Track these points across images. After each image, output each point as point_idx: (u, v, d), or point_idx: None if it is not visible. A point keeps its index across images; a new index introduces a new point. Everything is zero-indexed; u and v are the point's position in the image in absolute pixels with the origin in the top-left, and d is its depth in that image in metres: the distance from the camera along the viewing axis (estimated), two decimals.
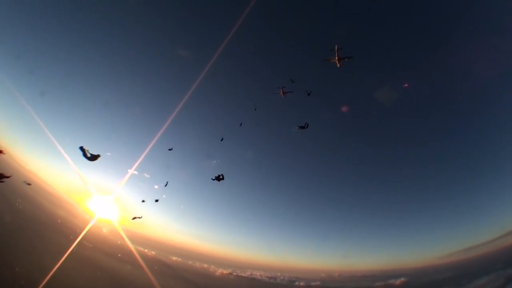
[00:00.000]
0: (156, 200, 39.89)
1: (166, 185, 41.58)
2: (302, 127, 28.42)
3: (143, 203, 41.85)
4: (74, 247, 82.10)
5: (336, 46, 27.61)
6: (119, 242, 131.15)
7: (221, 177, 26.03)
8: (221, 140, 37.98)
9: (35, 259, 60.73)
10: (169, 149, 36.69)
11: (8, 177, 21.61)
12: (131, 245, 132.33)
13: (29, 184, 49.08)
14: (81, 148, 21.09)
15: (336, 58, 28.25)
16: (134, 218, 42.57)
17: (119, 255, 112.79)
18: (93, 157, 22.02)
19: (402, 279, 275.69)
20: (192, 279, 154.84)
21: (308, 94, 32.76)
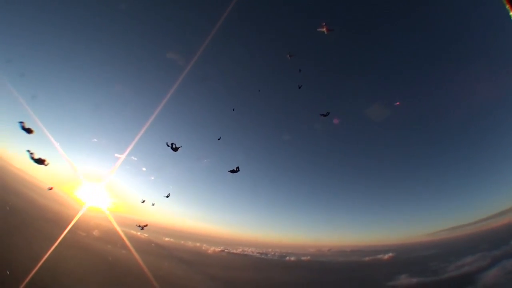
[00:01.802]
0: (167, 196, 39.82)
1: (168, 196, 40.69)
2: (324, 115, 30.19)
3: (143, 203, 42.22)
4: (68, 236, 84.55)
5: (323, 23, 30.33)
6: (111, 229, 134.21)
7: (236, 169, 26.82)
8: (218, 139, 37.70)
9: (26, 250, 62.55)
10: (218, 139, 36.78)
11: (47, 164, 22.42)
12: (124, 230, 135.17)
13: (50, 188, 49.50)
14: (28, 151, 22.07)
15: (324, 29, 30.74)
16: (143, 201, 42.94)
17: (112, 240, 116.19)
18: (38, 161, 22.84)
19: (390, 254, 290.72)
20: (185, 258, 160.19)
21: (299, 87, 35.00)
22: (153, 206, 43.62)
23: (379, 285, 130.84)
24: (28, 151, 21.95)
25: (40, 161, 22.62)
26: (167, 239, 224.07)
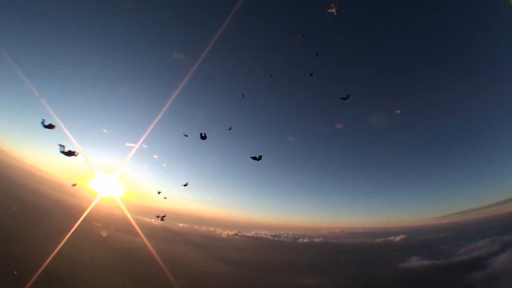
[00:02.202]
0: (185, 185, 39.76)
1: (186, 185, 40.31)
2: (344, 99, 29.45)
3: (159, 194, 42.33)
4: (84, 228, 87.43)
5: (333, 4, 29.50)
6: (126, 217, 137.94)
7: (259, 157, 26.50)
8: (229, 129, 36.73)
9: (39, 243, 64.78)
10: (229, 129, 36.52)
11: (77, 155, 23.00)
12: (138, 218, 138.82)
13: (74, 185, 50.46)
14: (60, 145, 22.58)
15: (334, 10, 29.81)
16: (159, 192, 43.17)
17: (127, 229, 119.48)
18: (69, 153, 23.08)
19: (402, 236, 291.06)
20: (200, 243, 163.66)
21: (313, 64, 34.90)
22: (165, 199, 43.51)
23: (390, 267, 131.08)
24: (60, 145, 22.34)
25: (70, 153, 22.95)
26: (181, 224, 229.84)
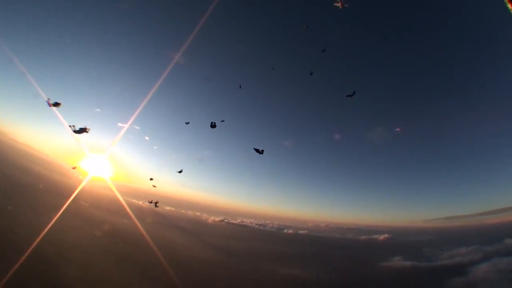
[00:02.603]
0: (180, 171, 39.41)
1: (180, 172, 39.71)
2: (350, 96, 29.73)
3: (151, 181, 41.63)
4: (72, 207, 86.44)
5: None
6: (114, 198, 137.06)
7: (261, 151, 26.75)
8: (222, 121, 35.75)
9: (28, 222, 64.05)
10: (222, 121, 35.33)
11: (88, 131, 22.79)
12: (126, 200, 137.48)
13: (74, 168, 49.28)
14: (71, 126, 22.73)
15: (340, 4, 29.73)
16: (151, 179, 42.39)
17: (115, 210, 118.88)
18: (80, 130, 23.00)
19: (386, 235, 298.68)
20: (185, 227, 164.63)
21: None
22: (154, 188, 42.82)
23: (373, 265, 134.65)
24: (70, 126, 22.33)
25: (81, 131, 22.84)
26: (168, 208, 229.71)
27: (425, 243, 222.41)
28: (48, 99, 21.78)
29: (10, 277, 39.75)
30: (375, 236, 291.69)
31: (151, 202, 41.30)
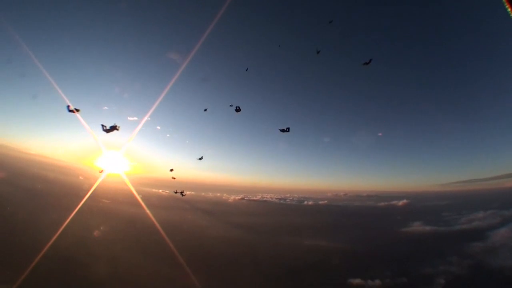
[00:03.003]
0: (200, 158, 38.98)
1: (201, 159, 38.99)
2: (367, 63, 28.35)
3: (171, 172, 41.16)
4: (94, 205, 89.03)
5: None
6: (133, 191, 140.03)
7: (287, 129, 26.34)
8: (204, 110, 34.86)
9: (43, 224, 67.98)
10: (204, 110, 34.81)
11: (118, 129, 23.43)
12: (146, 190, 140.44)
13: (101, 171, 50.30)
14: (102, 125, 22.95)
15: None
16: (171, 170, 42.20)
17: (136, 202, 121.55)
18: (111, 129, 23.24)
19: (405, 201, 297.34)
20: (207, 208, 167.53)
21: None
22: (174, 179, 42.06)
23: (393, 231, 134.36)
24: (102, 125, 22.96)
25: (112, 129, 23.19)
26: (188, 192, 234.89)
27: (443, 208, 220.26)
28: (69, 105, 21.88)
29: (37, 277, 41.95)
30: (394, 202, 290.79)
31: (176, 192, 40.78)
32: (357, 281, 62.07)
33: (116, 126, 23.32)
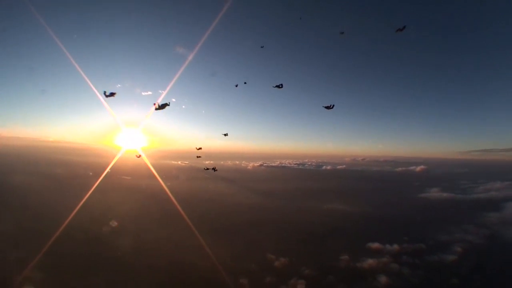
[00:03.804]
0: (225, 134, 39.66)
1: (226, 135, 39.41)
2: (400, 30, 28.17)
3: (199, 150, 41.93)
4: (116, 183, 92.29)
5: None
6: (150, 167, 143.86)
7: (331, 106, 26.79)
8: (237, 85, 33.96)
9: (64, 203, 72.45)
10: (244, 83, 34.35)
11: (169, 104, 25.23)
12: (165, 163, 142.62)
13: (138, 156, 52.33)
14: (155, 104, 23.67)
15: None
16: (199, 148, 43.09)
17: (156, 176, 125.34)
18: (162, 106, 23.80)
19: (422, 166, 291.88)
20: (227, 176, 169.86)
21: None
22: (199, 157, 42.91)
23: (411, 196, 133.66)
24: (154, 103, 23.53)
25: (164, 106, 23.65)
26: (207, 162, 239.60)
27: (461, 176, 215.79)
28: (105, 91, 22.84)
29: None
30: (411, 168, 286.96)
31: (207, 169, 41.48)
32: (375, 245, 62.91)
33: (167, 103, 23.73)
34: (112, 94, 22.68)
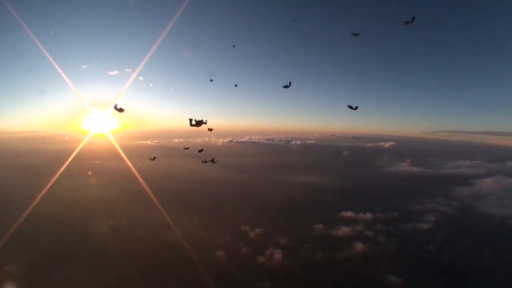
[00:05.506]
0: (211, 80, 36.74)
1: (212, 80, 36.37)
2: (409, 22, 25.99)
3: (211, 131, 38.09)
4: (87, 167, 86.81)
5: None
6: (118, 149, 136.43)
7: (288, 85, 24.98)
8: (236, 85, 31.86)
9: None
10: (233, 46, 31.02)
11: (206, 122, 21.49)
12: (135, 144, 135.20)
13: (187, 148, 45.77)
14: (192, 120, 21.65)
15: None
16: (211, 129, 39.27)
17: (125, 157, 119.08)
18: (199, 123, 21.93)
19: (391, 143, 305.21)
20: (197, 153, 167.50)
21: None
22: (210, 130, 39.31)
23: (380, 170, 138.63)
24: (190, 119, 21.54)
25: (200, 123, 21.88)
26: (176, 140, 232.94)
27: (430, 153, 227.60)
28: (116, 104, 21.71)
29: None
30: (381, 144, 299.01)
31: (205, 162, 37.96)
32: (349, 214, 64.82)
33: (202, 120, 21.91)
34: (121, 110, 21.77)
